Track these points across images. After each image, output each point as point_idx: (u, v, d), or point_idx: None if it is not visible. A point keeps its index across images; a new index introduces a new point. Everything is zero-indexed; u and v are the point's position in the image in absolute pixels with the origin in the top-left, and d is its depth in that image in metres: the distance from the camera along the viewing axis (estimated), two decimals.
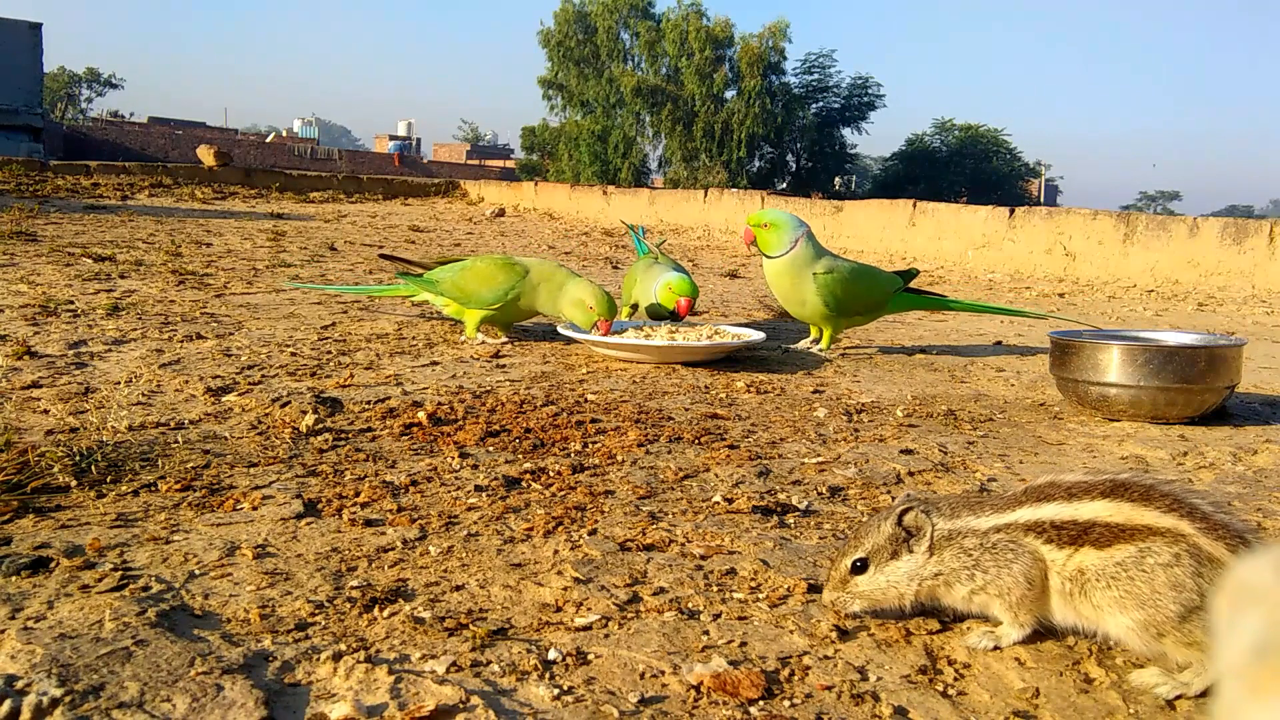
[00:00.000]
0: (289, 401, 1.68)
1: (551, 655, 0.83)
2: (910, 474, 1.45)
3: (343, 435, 1.51)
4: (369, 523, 1.13)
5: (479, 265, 2.46)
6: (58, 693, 0.72)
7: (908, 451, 1.58)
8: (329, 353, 2.20)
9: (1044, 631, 0.89)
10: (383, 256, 3.11)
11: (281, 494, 1.22)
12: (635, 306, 2.73)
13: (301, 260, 4.16)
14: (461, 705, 0.74)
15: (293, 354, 2.16)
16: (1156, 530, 0.81)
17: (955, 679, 0.83)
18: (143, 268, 3.50)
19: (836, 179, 32.96)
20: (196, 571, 0.97)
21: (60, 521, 1.09)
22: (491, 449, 1.48)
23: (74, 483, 1.19)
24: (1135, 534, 0.82)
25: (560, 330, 2.36)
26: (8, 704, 0.70)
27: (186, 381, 1.82)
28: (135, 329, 2.34)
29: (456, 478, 1.32)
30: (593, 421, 1.66)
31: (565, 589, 0.97)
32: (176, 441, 1.42)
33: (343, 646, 0.83)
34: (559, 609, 0.93)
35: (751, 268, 5.04)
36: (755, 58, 28.19)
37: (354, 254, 4.58)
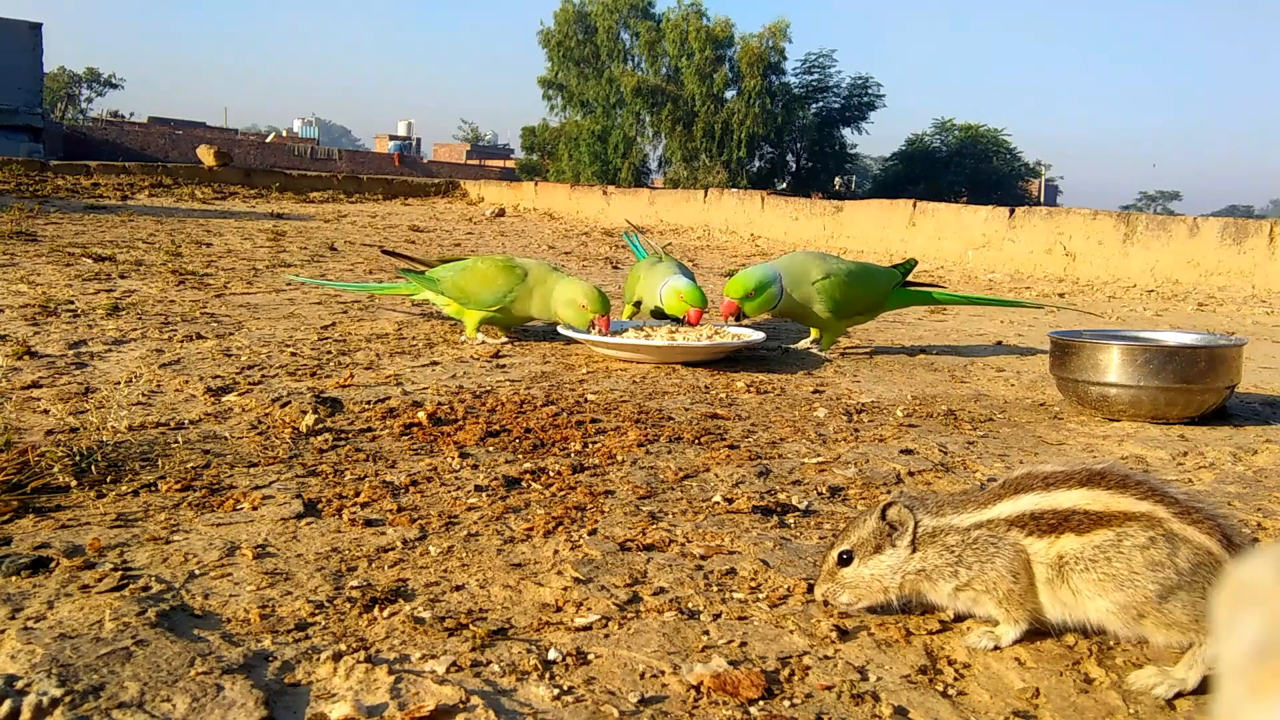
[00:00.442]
0: (289, 401, 1.68)
1: (551, 655, 0.83)
2: (910, 474, 1.45)
3: (343, 435, 1.51)
4: (369, 523, 1.13)
5: (480, 266, 2.45)
6: (58, 693, 0.72)
7: (908, 451, 1.58)
8: (329, 353, 2.20)
9: (1042, 631, 0.89)
10: (385, 253, 3.11)
11: (281, 494, 1.22)
12: (638, 305, 2.72)
13: (301, 260, 4.16)
14: (461, 705, 0.74)
15: (293, 354, 2.16)
16: (1133, 515, 0.82)
17: (955, 679, 0.83)
18: (143, 268, 3.50)
19: (836, 179, 32.96)
20: (196, 571, 0.97)
21: (60, 521, 1.09)
22: (491, 449, 1.48)
23: (74, 483, 1.19)
24: (1113, 519, 0.82)
25: (560, 330, 2.36)
26: (8, 704, 0.70)
27: (186, 381, 1.82)
28: (135, 329, 2.34)
29: (456, 478, 1.32)
30: (593, 421, 1.66)
31: (565, 589, 0.97)
32: (176, 441, 1.42)
33: (343, 646, 0.83)
34: (559, 609, 0.93)
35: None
36: (755, 58, 28.18)
37: (354, 254, 4.58)
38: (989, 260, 5.57)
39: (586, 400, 1.84)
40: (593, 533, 1.13)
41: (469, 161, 41.42)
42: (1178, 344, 1.84)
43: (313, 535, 1.09)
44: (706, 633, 0.89)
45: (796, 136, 30.47)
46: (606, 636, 0.87)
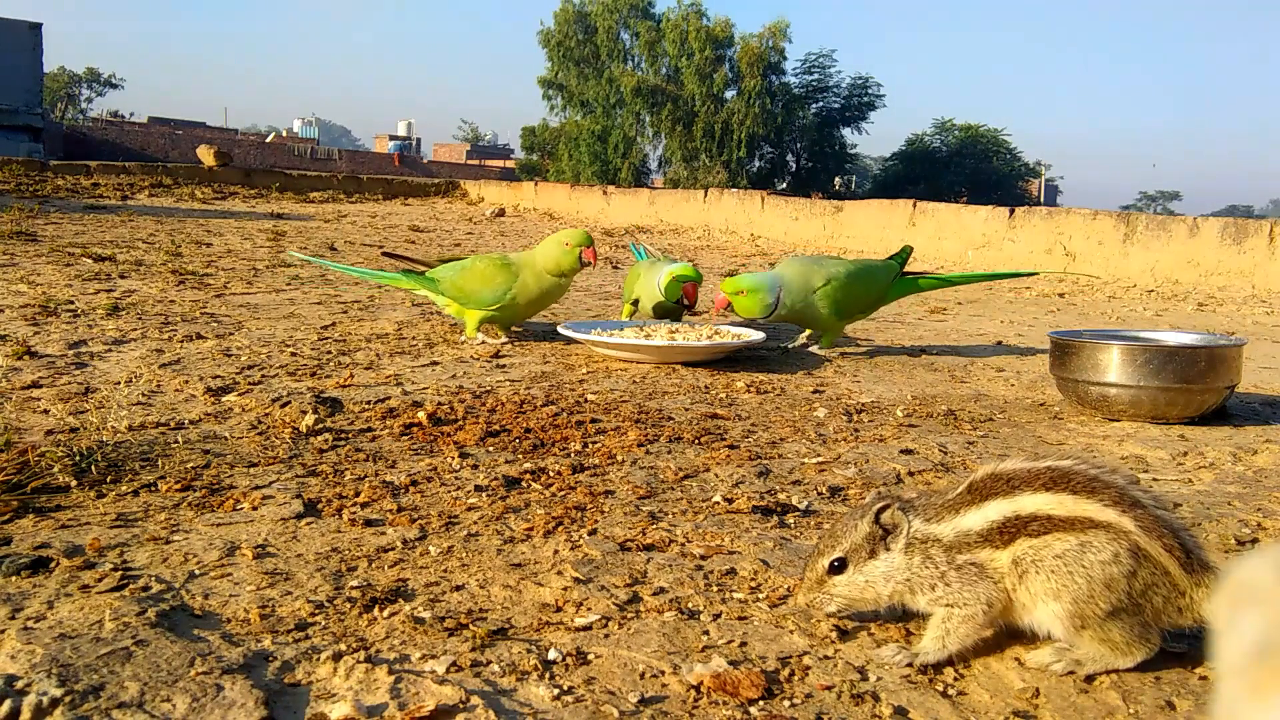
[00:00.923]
0: (289, 401, 1.68)
1: (551, 655, 0.83)
2: (910, 474, 1.45)
3: (343, 435, 1.51)
4: (369, 523, 1.13)
5: (478, 265, 2.46)
6: (58, 693, 0.72)
7: (908, 451, 1.58)
8: (329, 353, 2.20)
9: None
10: (385, 254, 3.10)
11: (281, 494, 1.22)
12: (636, 304, 2.74)
13: (301, 260, 4.16)
14: (461, 705, 0.74)
15: (293, 354, 2.16)
16: (1098, 523, 0.81)
17: (955, 679, 0.83)
18: (143, 268, 3.50)
19: (836, 179, 32.96)
20: (196, 571, 0.97)
21: (60, 521, 1.09)
22: (491, 449, 1.48)
23: (74, 483, 1.19)
24: (1076, 525, 0.82)
25: (560, 330, 2.37)
26: (8, 704, 0.70)
27: (186, 381, 1.82)
28: (135, 329, 2.34)
29: (456, 478, 1.32)
30: (593, 421, 1.66)
31: (565, 589, 0.97)
32: (176, 441, 1.42)
33: (343, 646, 0.83)
34: (559, 609, 0.93)
35: (751, 268, 5.04)
36: (755, 58, 28.19)
37: (354, 254, 4.58)
38: (989, 260, 5.57)
39: (586, 400, 1.84)
40: (593, 533, 1.13)
41: (469, 161, 41.43)
42: (1178, 344, 1.84)
43: (313, 535, 1.09)
44: (706, 633, 0.89)
45: (796, 136, 30.48)
46: (606, 636, 0.87)
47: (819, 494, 1.33)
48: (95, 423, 1.46)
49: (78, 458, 1.24)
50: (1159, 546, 0.81)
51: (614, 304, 3.34)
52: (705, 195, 8.06)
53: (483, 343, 2.43)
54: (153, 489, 1.21)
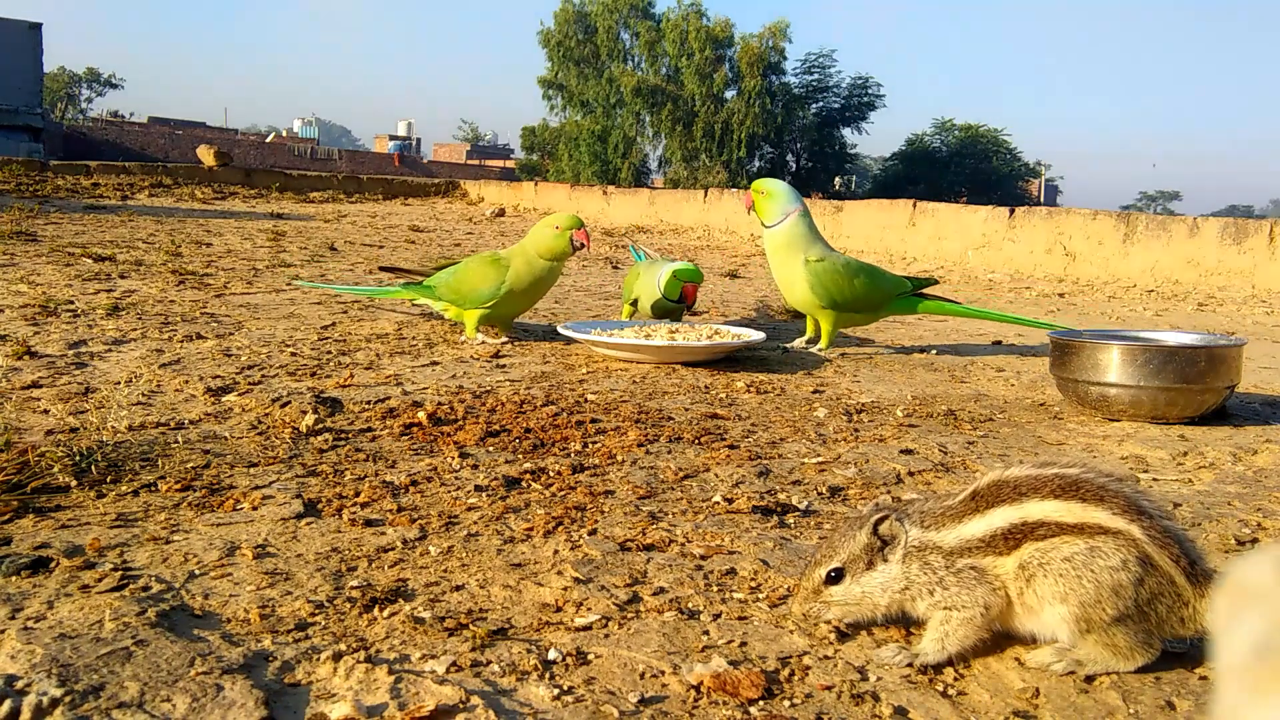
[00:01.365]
0: (289, 401, 1.68)
1: (551, 655, 0.83)
2: (910, 474, 1.45)
3: (343, 435, 1.51)
4: (369, 523, 1.13)
5: (470, 265, 2.49)
6: (58, 693, 0.72)
7: (908, 451, 1.58)
8: (329, 353, 2.20)
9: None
10: (383, 269, 3.10)
11: (281, 494, 1.22)
12: (635, 303, 2.74)
13: (301, 260, 4.16)
14: (461, 705, 0.74)
15: (293, 354, 2.16)
16: (1108, 530, 0.82)
17: (955, 679, 0.83)
18: (143, 268, 3.50)
19: (836, 179, 32.97)
20: (196, 571, 0.97)
21: (60, 521, 1.09)
22: (491, 449, 1.48)
23: (74, 483, 1.19)
24: (1085, 530, 0.82)
25: (560, 330, 2.37)
26: (8, 704, 0.70)
27: (186, 381, 1.82)
28: (135, 329, 2.34)
29: (456, 478, 1.32)
30: (593, 421, 1.66)
31: (565, 589, 0.97)
32: (176, 441, 1.42)
33: (343, 646, 0.83)
34: (559, 609, 0.93)
35: (751, 268, 5.04)
36: (755, 58, 28.19)
37: (354, 254, 4.58)
38: (989, 260, 5.57)
39: (586, 400, 1.84)
40: (593, 533, 1.13)
41: (469, 161, 41.44)
42: (1178, 344, 1.84)
43: (313, 535, 1.09)
44: (706, 633, 0.89)
45: (796, 136, 30.49)
46: (606, 636, 0.87)
47: (819, 494, 1.33)
48: (95, 423, 1.46)
49: (78, 458, 1.24)
50: (1166, 556, 0.82)
51: (614, 304, 3.34)
52: (705, 195, 8.06)
53: (483, 343, 2.43)
54: (153, 489, 1.21)
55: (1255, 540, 1.20)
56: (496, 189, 11.14)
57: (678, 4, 28.97)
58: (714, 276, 4.57)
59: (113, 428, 1.44)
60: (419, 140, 48.68)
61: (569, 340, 2.50)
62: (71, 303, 2.65)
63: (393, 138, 45.36)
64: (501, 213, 8.80)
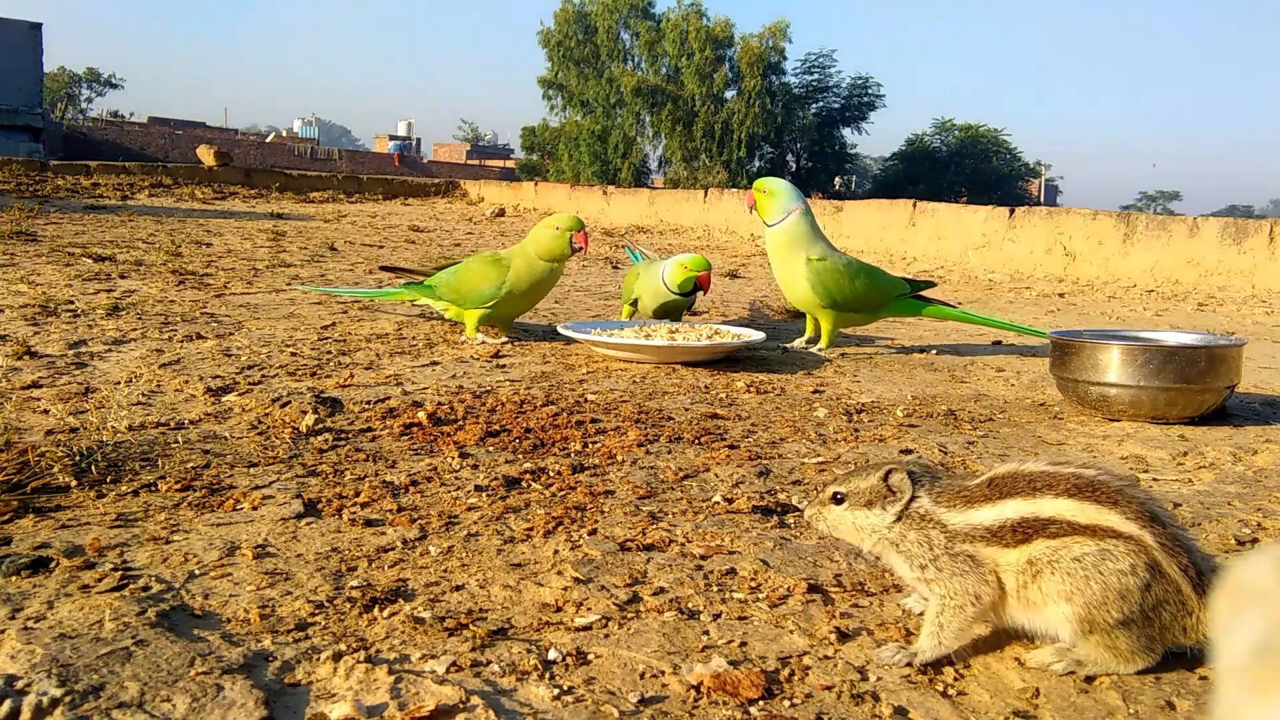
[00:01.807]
0: (289, 401, 1.68)
1: (551, 655, 0.83)
2: None
3: (343, 435, 1.51)
4: (369, 523, 1.13)
5: (470, 264, 2.50)
6: (58, 693, 0.72)
7: (908, 451, 1.57)
8: (329, 353, 2.20)
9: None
10: (384, 269, 3.09)
11: (281, 494, 1.22)
12: (635, 304, 2.74)
13: (301, 260, 4.16)
14: (461, 705, 0.74)
15: (293, 354, 2.16)
16: (1120, 534, 0.82)
17: (955, 679, 0.83)
18: (143, 268, 3.50)
19: (836, 179, 32.97)
20: (196, 571, 0.97)
21: (60, 521, 1.09)
22: (491, 449, 1.48)
23: (74, 483, 1.19)
24: (1097, 532, 0.82)
25: (560, 330, 2.37)
26: (8, 704, 0.70)
27: (186, 381, 1.82)
28: (135, 329, 2.34)
29: (456, 478, 1.32)
30: (593, 421, 1.66)
31: (565, 589, 0.97)
32: (176, 441, 1.42)
33: (343, 646, 0.83)
34: (559, 609, 0.93)
35: (751, 268, 5.04)
36: (755, 58, 28.20)
37: (354, 254, 4.58)
38: (989, 260, 5.57)
39: (586, 400, 1.84)
40: (593, 533, 1.13)
41: (469, 161, 41.44)
42: (1178, 344, 1.84)
43: (313, 535, 1.09)
44: (706, 633, 0.89)
45: (796, 136, 30.49)
46: (606, 636, 0.87)
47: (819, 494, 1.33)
48: (95, 423, 1.46)
49: (78, 458, 1.24)
50: (1175, 565, 0.82)
51: (614, 304, 3.34)
52: (705, 195, 8.06)
53: (483, 343, 2.44)
54: (153, 489, 1.21)
55: (1255, 540, 1.20)
56: (496, 189, 11.14)
57: (678, 4, 28.99)
58: (714, 277, 4.56)
59: (113, 428, 1.44)
60: (419, 140, 48.69)
61: (569, 340, 2.50)
62: (71, 303, 2.65)
63: (393, 138, 45.37)
64: (501, 213, 8.80)
